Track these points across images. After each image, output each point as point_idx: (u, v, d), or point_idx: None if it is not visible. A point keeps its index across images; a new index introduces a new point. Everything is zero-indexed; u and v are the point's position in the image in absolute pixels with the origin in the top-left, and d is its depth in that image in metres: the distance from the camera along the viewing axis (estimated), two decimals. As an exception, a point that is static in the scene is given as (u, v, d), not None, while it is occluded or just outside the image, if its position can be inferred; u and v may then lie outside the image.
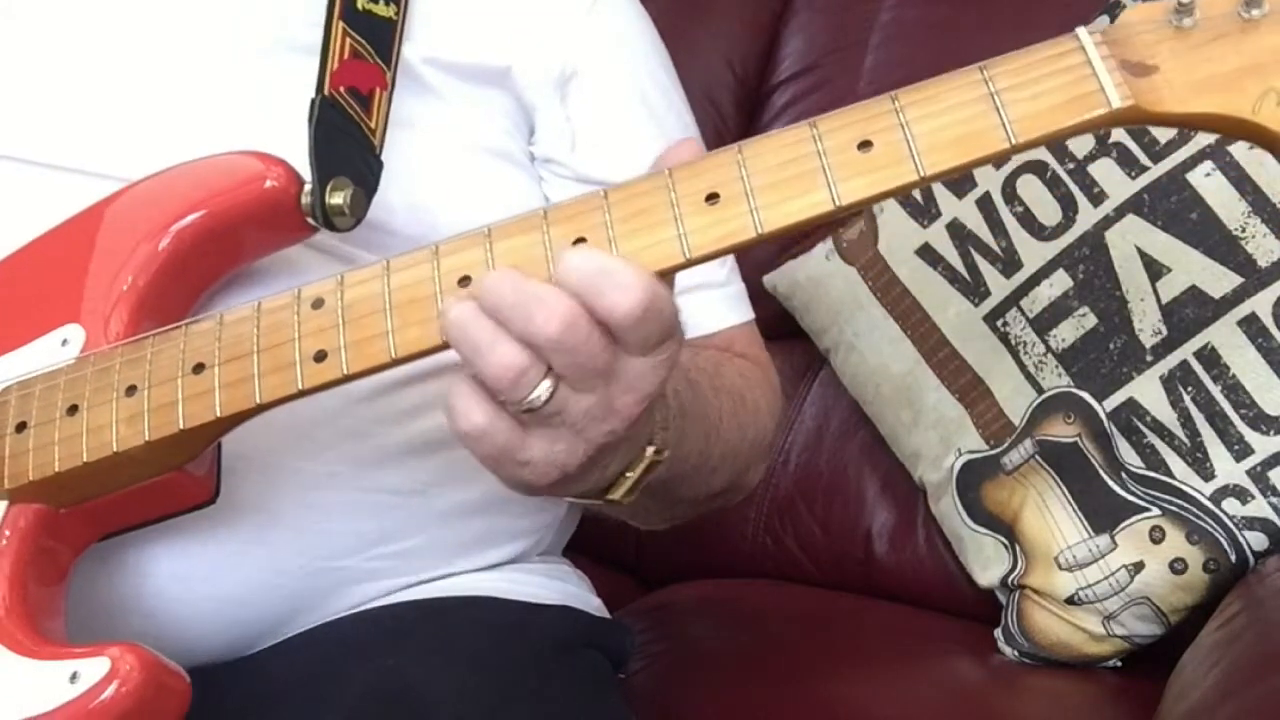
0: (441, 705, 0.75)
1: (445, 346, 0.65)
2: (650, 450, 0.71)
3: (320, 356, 0.67)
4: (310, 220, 0.77)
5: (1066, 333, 1.12)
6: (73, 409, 0.72)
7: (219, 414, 0.69)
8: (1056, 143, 1.16)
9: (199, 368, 0.70)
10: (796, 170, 0.62)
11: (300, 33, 0.84)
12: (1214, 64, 0.60)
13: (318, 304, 0.68)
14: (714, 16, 1.52)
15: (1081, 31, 0.62)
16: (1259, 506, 1.03)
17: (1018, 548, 1.12)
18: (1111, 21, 1.17)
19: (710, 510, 0.91)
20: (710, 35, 1.51)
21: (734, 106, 1.49)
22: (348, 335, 0.67)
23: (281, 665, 0.82)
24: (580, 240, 0.63)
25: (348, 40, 0.83)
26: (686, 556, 1.32)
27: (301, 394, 0.68)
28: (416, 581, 0.88)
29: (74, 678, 0.66)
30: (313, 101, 0.80)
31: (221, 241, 0.78)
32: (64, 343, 0.76)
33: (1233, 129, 0.61)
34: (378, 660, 0.79)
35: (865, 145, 0.62)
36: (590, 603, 0.97)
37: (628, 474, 0.71)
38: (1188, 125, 0.62)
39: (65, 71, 0.86)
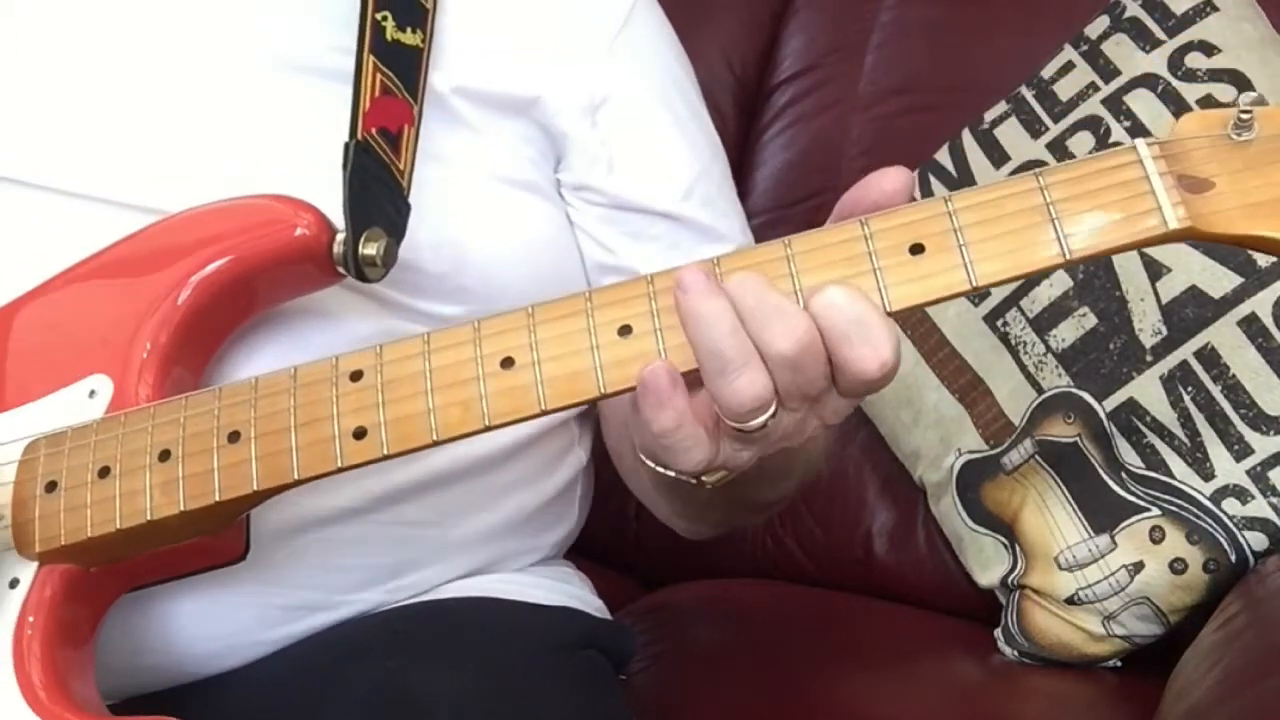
0: (443, 707, 0.75)
1: (488, 429, 0.64)
2: None
3: (360, 434, 0.66)
4: (341, 270, 0.75)
5: (1066, 333, 1.12)
6: (104, 471, 0.70)
7: (256, 487, 0.68)
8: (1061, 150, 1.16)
9: (234, 436, 0.68)
10: (848, 271, 0.61)
11: (325, 58, 0.82)
12: (1271, 188, 0.59)
13: (356, 376, 0.67)
14: (714, 16, 1.52)
15: (1140, 144, 0.61)
16: (1259, 506, 1.03)
17: (1017, 548, 1.12)
18: (1112, 22, 1.19)
19: (742, 523, 0.87)
20: (710, 35, 1.50)
21: (734, 106, 1.48)
22: (388, 413, 0.66)
23: (284, 667, 0.82)
24: (626, 329, 0.62)
25: (378, 75, 0.80)
26: (686, 556, 1.31)
27: (340, 470, 0.67)
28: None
29: None
30: (346, 146, 0.77)
31: (248, 288, 0.76)
32: (91, 394, 0.74)
33: None
34: (380, 662, 0.79)
35: (917, 249, 0.60)
36: (591, 604, 0.97)
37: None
38: (1241, 246, 0.61)
39: (69, 84, 0.83)
